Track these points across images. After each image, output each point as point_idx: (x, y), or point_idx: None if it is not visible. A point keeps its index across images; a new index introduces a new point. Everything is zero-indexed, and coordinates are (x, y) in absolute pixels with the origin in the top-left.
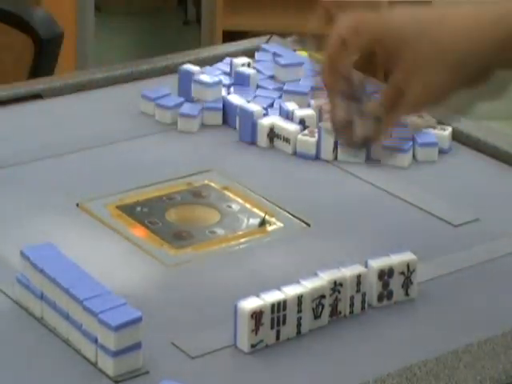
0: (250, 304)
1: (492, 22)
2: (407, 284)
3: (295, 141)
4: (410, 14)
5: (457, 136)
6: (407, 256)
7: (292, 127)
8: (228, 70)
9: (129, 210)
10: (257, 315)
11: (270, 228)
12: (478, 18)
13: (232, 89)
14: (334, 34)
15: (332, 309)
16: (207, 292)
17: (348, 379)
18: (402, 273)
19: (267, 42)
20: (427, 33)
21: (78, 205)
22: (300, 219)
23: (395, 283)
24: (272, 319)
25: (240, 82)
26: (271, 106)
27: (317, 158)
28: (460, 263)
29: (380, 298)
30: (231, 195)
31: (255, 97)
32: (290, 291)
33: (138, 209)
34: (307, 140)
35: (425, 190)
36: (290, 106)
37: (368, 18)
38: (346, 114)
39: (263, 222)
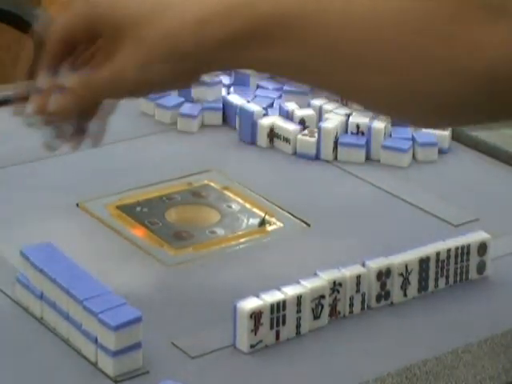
0: (249, 304)
1: (222, 14)
2: (406, 284)
3: (295, 141)
4: None
5: (457, 136)
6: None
7: (292, 127)
8: None
9: (129, 210)
10: (256, 315)
11: (269, 228)
12: (204, 7)
13: (232, 89)
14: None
15: (331, 308)
16: (207, 292)
17: (348, 379)
18: (401, 274)
19: None
20: (150, 18)
21: (77, 205)
22: (300, 219)
23: (393, 284)
24: (271, 319)
25: (240, 82)
26: (271, 106)
27: (317, 158)
28: None
29: (378, 298)
30: (231, 195)
31: (255, 97)
32: (290, 291)
33: (138, 209)
34: (307, 140)
35: (425, 190)
36: (290, 106)
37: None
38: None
39: (263, 222)
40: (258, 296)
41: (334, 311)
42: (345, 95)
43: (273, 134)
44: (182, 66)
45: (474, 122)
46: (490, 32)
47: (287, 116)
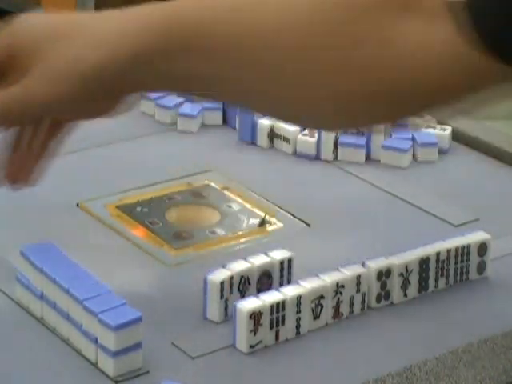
0: (248, 304)
1: (134, 33)
2: (406, 284)
3: (295, 141)
4: (46, 20)
5: (457, 136)
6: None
7: (292, 127)
8: None
9: (129, 210)
10: (256, 316)
11: (269, 228)
12: (120, 25)
13: None
14: None
15: (335, 310)
16: None
17: (348, 379)
18: (401, 274)
19: None
20: (59, 40)
21: (77, 205)
22: (300, 219)
23: (393, 284)
24: (271, 320)
25: None
26: None
27: (317, 158)
28: None
29: (378, 298)
30: (231, 195)
31: None
32: (289, 292)
33: (138, 209)
34: (307, 140)
35: (425, 190)
36: None
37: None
38: None
39: (263, 222)
40: (257, 296)
41: (337, 313)
42: (252, 107)
43: (273, 134)
44: (87, 89)
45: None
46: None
47: None
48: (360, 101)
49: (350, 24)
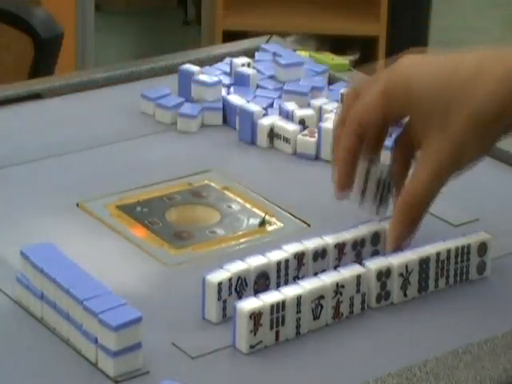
0: (248, 305)
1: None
2: (406, 285)
3: (295, 141)
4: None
5: None
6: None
7: (292, 127)
8: (228, 70)
9: (129, 210)
10: (256, 316)
11: (269, 228)
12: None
13: (232, 89)
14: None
15: (335, 311)
16: None
17: (348, 379)
18: (401, 274)
19: (267, 41)
20: (449, 103)
21: (78, 205)
22: (300, 219)
23: (393, 284)
24: (271, 320)
25: (240, 82)
26: (271, 106)
27: (317, 158)
28: None
29: (378, 298)
30: (231, 195)
31: (255, 97)
32: (289, 292)
33: (138, 209)
34: (307, 140)
35: None
36: (290, 106)
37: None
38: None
39: (263, 222)
40: (257, 296)
41: (337, 313)
42: None
43: (273, 134)
44: (489, 135)
45: None
46: None
47: (287, 116)
48: None
49: None
